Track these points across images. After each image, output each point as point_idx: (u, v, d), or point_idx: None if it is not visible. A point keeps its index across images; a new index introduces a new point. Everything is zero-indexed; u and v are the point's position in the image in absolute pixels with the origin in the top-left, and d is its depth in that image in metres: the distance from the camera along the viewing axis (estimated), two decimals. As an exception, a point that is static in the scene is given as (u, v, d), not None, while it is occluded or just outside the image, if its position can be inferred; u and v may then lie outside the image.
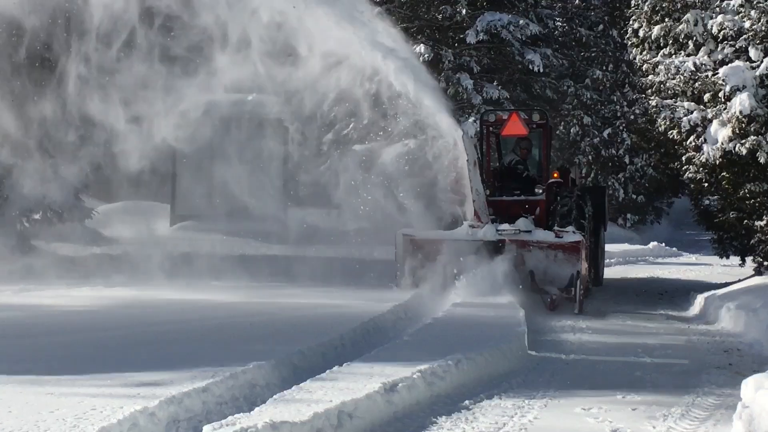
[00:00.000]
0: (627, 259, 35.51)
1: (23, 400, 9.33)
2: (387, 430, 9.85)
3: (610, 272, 29.95)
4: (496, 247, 20.09)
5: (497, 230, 20.23)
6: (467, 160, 20.24)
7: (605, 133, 45.40)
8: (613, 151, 45.74)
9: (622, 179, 46.38)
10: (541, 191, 22.61)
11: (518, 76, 42.02)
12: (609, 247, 35.29)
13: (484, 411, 10.70)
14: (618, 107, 45.44)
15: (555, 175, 23.31)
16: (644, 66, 23.64)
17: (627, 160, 46.00)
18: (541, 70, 41.37)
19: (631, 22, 25.53)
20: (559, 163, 39.68)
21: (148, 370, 10.93)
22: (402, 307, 17.23)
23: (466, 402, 11.05)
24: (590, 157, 45.82)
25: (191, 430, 9.16)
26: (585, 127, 45.37)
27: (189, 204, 34.07)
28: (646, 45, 24.04)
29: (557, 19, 45.86)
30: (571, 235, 20.02)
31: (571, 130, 45.38)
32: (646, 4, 23.70)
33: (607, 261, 32.66)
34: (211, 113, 29.68)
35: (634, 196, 46.60)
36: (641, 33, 24.27)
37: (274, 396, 9.81)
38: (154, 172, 29.72)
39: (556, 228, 20.75)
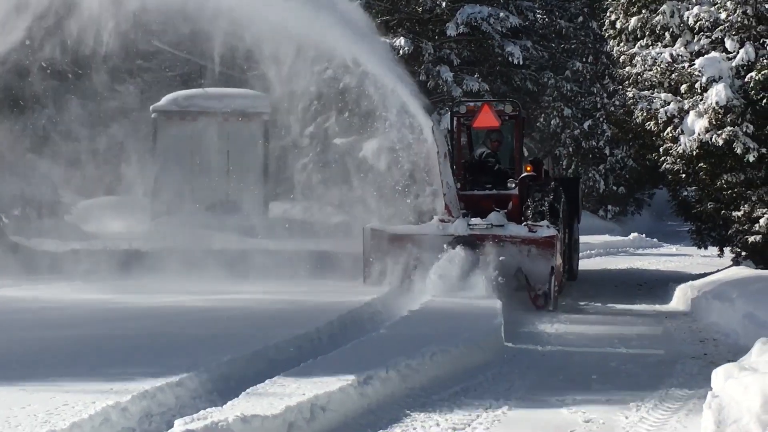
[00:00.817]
0: (607, 251, 35.61)
1: (-5, 396, 9.34)
2: (360, 423, 9.89)
3: (589, 263, 30.07)
4: (467, 242, 19.36)
5: (468, 225, 19.69)
6: (437, 152, 19.90)
7: (586, 125, 45.48)
8: (594, 143, 45.82)
9: (603, 171, 46.48)
10: (513, 185, 21.79)
11: (499, 69, 42.10)
12: (588, 239, 35.44)
13: (458, 403, 10.74)
14: (598, 99, 45.53)
15: (528, 168, 22.52)
16: (621, 57, 23.73)
17: (607, 151, 46.08)
18: (522, 62, 41.45)
19: (608, 14, 25.59)
20: (534, 155, 39.66)
21: (122, 366, 10.92)
22: (379, 300, 17.26)
23: (441, 394, 11.11)
24: (571, 149, 45.90)
25: (164, 424, 9.15)
26: (565, 119, 45.44)
27: (169, 198, 33.98)
28: (623, 36, 24.11)
29: (537, 11, 45.88)
30: (545, 230, 19.44)
31: (552, 122, 45.45)
32: (623, -6, 23.79)
33: (587, 252, 32.82)
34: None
35: (614, 188, 46.70)
36: (618, 24, 24.34)
37: (247, 390, 9.81)
38: (135, 167, 29.71)
39: (529, 222, 20.10)
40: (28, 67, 23.78)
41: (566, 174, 45.15)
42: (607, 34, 25.95)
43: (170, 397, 9.72)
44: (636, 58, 22.72)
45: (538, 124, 45.50)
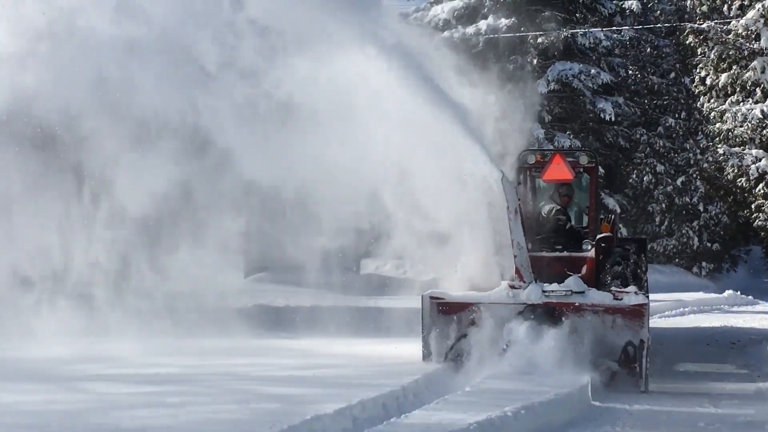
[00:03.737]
0: (701, 308, 35.11)
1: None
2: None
3: (682, 321, 29.74)
4: (542, 312, 16.98)
5: (543, 291, 17.22)
6: (507, 208, 17.52)
7: (678, 181, 45.13)
8: (687, 199, 45.40)
9: (697, 227, 46.03)
10: (590, 247, 19.44)
11: (590, 125, 42.10)
12: (682, 296, 35.15)
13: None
14: (691, 155, 45.14)
15: (604, 228, 19.83)
16: (712, 114, 23.63)
17: (701, 207, 45.64)
18: (613, 119, 41.44)
19: (698, 70, 25.54)
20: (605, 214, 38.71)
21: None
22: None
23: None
24: (663, 206, 45.53)
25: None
26: (658, 175, 45.12)
27: (262, 255, 34.26)
28: (713, 93, 24.06)
29: (629, 67, 45.80)
30: (633, 297, 16.89)
31: (644, 179, 45.15)
32: (713, 52, 23.72)
33: (680, 309, 32.49)
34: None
35: (708, 244, 46.19)
36: (708, 81, 24.35)
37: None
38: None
39: (613, 288, 17.60)
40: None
41: (637, 234, 44.37)
42: (697, 91, 25.89)
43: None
44: (726, 114, 22.62)
45: (630, 181, 45.24)
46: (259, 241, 29.22)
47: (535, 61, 41.65)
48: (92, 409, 12.43)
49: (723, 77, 23.27)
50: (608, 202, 41.83)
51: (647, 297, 17.40)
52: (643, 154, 45.09)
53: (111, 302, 22.36)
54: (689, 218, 45.90)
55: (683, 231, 45.65)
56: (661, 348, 22.13)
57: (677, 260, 45.82)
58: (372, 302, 26.92)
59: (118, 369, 16.05)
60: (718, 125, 23.08)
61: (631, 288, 17.54)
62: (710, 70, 24.15)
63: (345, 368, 16.38)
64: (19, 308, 20.45)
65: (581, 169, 20.78)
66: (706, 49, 24.64)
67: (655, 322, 27.24)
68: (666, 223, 45.92)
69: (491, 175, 17.81)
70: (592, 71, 41.05)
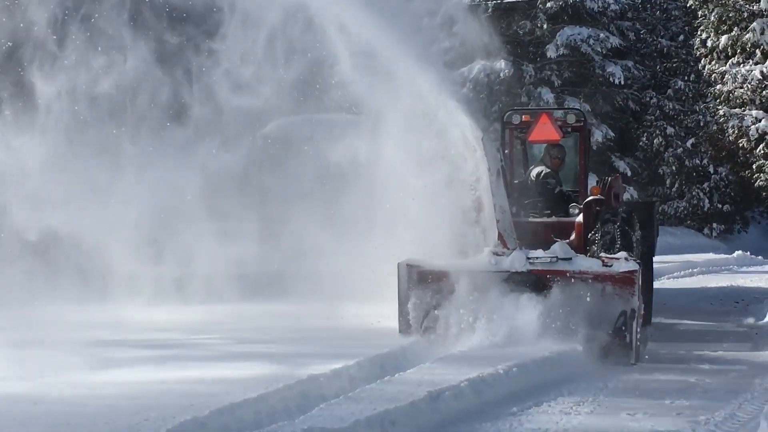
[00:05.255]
0: (709, 269, 35.27)
1: None
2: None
3: (689, 282, 29.91)
4: (527, 280, 15.81)
5: (528, 258, 15.92)
6: (488, 170, 16.46)
7: (689, 143, 45.19)
8: (698, 161, 45.46)
9: (707, 189, 46.10)
10: (577, 211, 18.31)
11: (601, 89, 42.25)
12: (691, 257, 35.32)
13: (530, 417, 11.07)
14: (701, 117, 45.16)
15: (594, 191, 18.34)
16: (713, 76, 23.79)
17: (711, 169, 45.69)
18: (623, 82, 41.59)
19: (699, 32, 25.69)
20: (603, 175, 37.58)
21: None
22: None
23: (514, 409, 11.42)
24: (674, 168, 45.59)
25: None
26: (668, 138, 45.20)
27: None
28: (714, 55, 24.20)
29: (639, 30, 45.84)
30: (623, 263, 15.69)
31: (654, 141, 45.23)
32: (713, 14, 23.87)
33: (688, 270, 32.67)
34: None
35: (719, 206, 46.26)
36: (709, 43, 24.46)
37: (321, 405, 10.26)
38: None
39: (603, 254, 16.48)
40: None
41: (648, 197, 44.24)
42: (698, 53, 26.03)
43: (249, 413, 10.25)
44: (726, 75, 22.79)
45: (641, 144, 45.35)
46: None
47: (544, 26, 41.80)
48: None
49: (723, 39, 23.46)
50: (618, 165, 42.03)
51: (638, 263, 15.97)
52: (653, 117, 45.15)
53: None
54: (699, 180, 45.95)
55: (694, 193, 45.71)
56: (664, 307, 22.39)
57: (688, 222, 45.94)
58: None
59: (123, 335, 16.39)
60: (718, 87, 23.22)
61: (622, 254, 16.24)
62: (711, 32, 24.34)
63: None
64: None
65: (569, 129, 19.63)
66: (706, 12, 24.76)
67: (662, 283, 27.53)
68: (677, 185, 45.98)
69: (473, 135, 16.73)
70: (601, 35, 41.20)
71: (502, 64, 40.24)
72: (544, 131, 18.76)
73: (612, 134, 42.21)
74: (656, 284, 21.23)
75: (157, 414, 9.96)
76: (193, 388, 11.44)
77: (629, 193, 39.29)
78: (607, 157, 42.42)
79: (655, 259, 20.87)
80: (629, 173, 42.49)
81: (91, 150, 19.30)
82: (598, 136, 40.08)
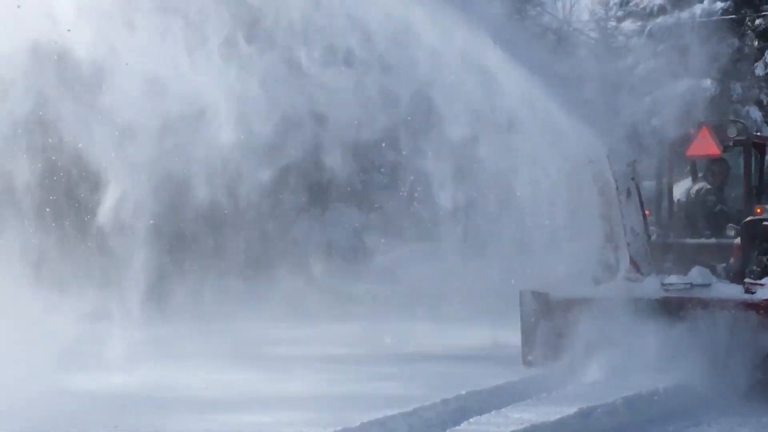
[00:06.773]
0: None
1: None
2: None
3: None
4: (662, 308, 14.64)
5: (662, 284, 14.88)
6: (617, 189, 15.25)
7: None
8: None
9: None
10: (733, 232, 16.80)
11: (813, 107, 41.38)
12: None
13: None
14: None
15: (758, 210, 16.62)
16: None
17: None
18: (836, 100, 40.67)
19: None
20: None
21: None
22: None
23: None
24: None
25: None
26: None
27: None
28: None
29: None
30: None
31: None
32: None
33: None
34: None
35: None
36: None
37: (470, 419, 10.70)
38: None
39: (747, 280, 14.97)
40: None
41: None
42: None
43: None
44: None
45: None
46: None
47: (755, 43, 41.13)
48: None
49: None
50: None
51: None
52: None
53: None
54: None
55: None
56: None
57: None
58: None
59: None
60: None
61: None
62: None
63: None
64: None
65: (730, 143, 17.55)
66: None
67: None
68: None
69: (597, 151, 15.40)
70: (814, 52, 40.36)
71: (708, 83, 39.74)
72: (704, 145, 17.24)
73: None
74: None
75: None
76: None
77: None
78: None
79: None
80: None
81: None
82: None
